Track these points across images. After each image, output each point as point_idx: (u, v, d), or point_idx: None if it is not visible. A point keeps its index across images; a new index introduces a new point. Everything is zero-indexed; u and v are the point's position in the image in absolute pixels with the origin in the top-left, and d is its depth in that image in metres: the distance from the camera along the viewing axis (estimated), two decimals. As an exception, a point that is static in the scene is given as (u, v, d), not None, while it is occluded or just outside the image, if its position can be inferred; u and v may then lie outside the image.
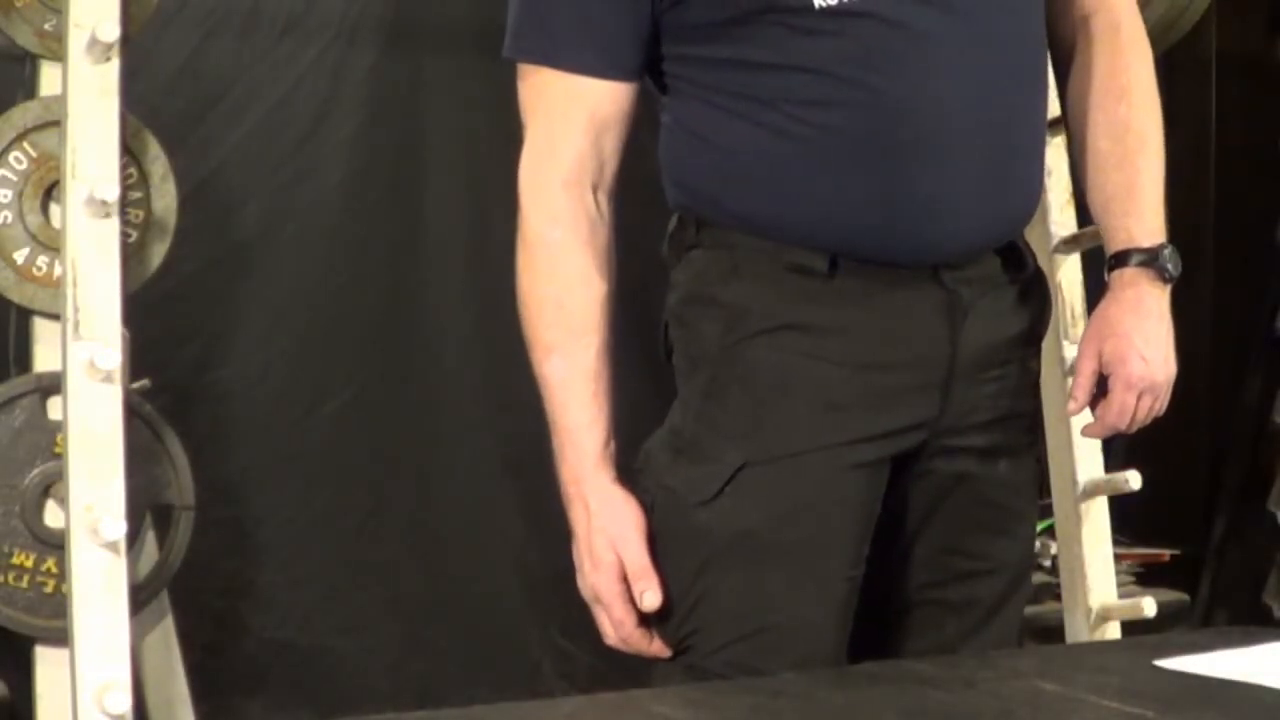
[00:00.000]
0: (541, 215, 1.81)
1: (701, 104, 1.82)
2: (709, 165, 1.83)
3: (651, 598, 1.78)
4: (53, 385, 2.49)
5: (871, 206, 1.77)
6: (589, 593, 1.82)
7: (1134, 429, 1.93)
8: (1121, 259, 1.91)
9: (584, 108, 1.80)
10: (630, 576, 1.79)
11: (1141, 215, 1.92)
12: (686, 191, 1.86)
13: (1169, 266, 1.90)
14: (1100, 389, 1.91)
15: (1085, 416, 1.97)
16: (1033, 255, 1.95)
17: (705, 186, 1.83)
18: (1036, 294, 1.95)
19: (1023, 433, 1.94)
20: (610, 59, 1.80)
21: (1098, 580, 2.95)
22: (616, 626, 1.81)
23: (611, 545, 1.80)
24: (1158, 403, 1.91)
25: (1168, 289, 1.91)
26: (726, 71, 1.79)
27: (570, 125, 1.80)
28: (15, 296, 2.59)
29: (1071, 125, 2.00)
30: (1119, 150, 1.94)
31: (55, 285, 2.52)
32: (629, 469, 1.89)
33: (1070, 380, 2.88)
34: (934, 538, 1.90)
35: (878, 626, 1.90)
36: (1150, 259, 1.90)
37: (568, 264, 1.81)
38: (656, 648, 1.82)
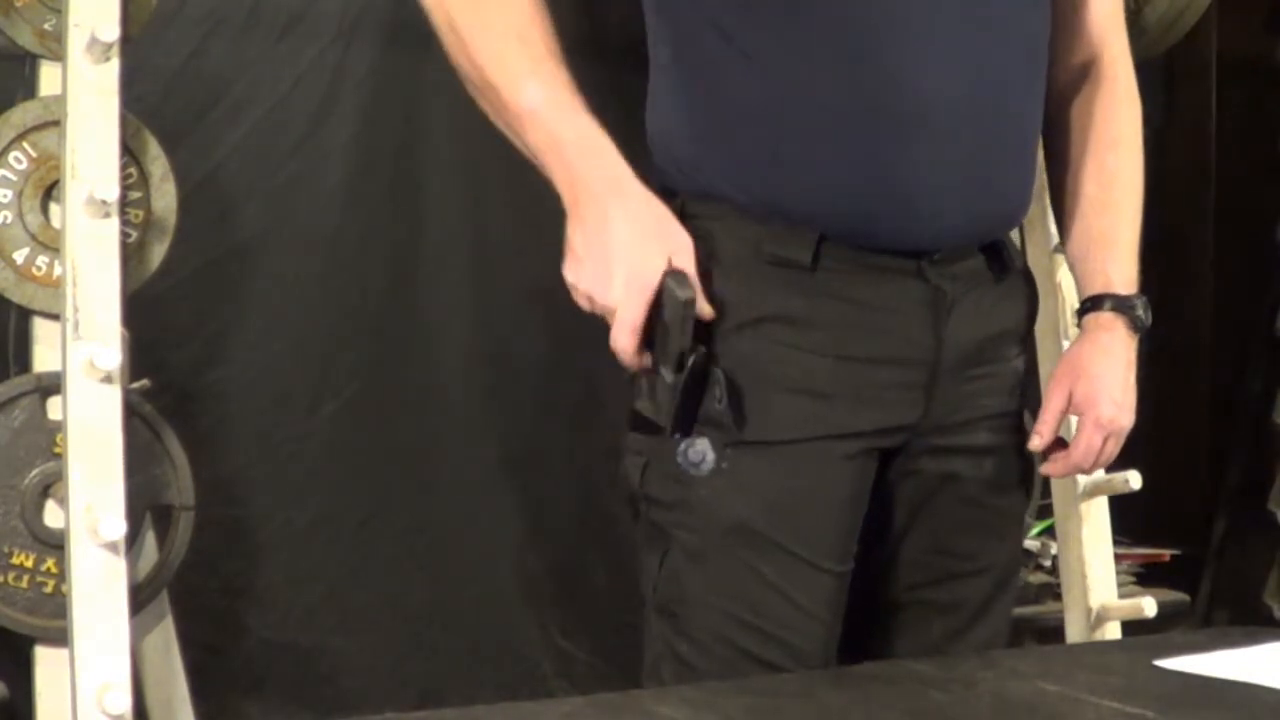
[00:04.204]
0: None
1: (696, 51, 1.81)
2: (698, 117, 1.82)
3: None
4: (53, 385, 2.49)
5: (856, 184, 1.77)
6: (616, 295, 1.71)
7: (1093, 471, 1.96)
8: (1096, 303, 1.95)
9: None
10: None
11: (1119, 264, 1.96)
12: (673, 155, 1.85)
13: (1141, 315, 1.95)
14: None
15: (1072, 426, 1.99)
16: (1020, 255, 1.96)
17: (690, 143, 1.82)
18: (1023, 294, 1.96)
19: (1010, 433, 1.94)
20: None
21: (1098, 580, 2.95)
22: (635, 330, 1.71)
23: (665, 246, 1.69)
24: (1117, 448, 1.94)
25: (1136, 338, 1.94)
26: (725, 12, 1.78)
27: None
28: (15, 296, 2.59)
29: (1056, 167, 2.03)
30: (1104, 197, 1.98)
31: (55, 285, 2.52)
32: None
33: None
34: (921, 538, 1.91)
35: (865, 627, 1.90)
36: (1125, 306, 1.94)
37: (518, 5, 1.77)
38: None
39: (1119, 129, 2.00)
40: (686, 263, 1.70)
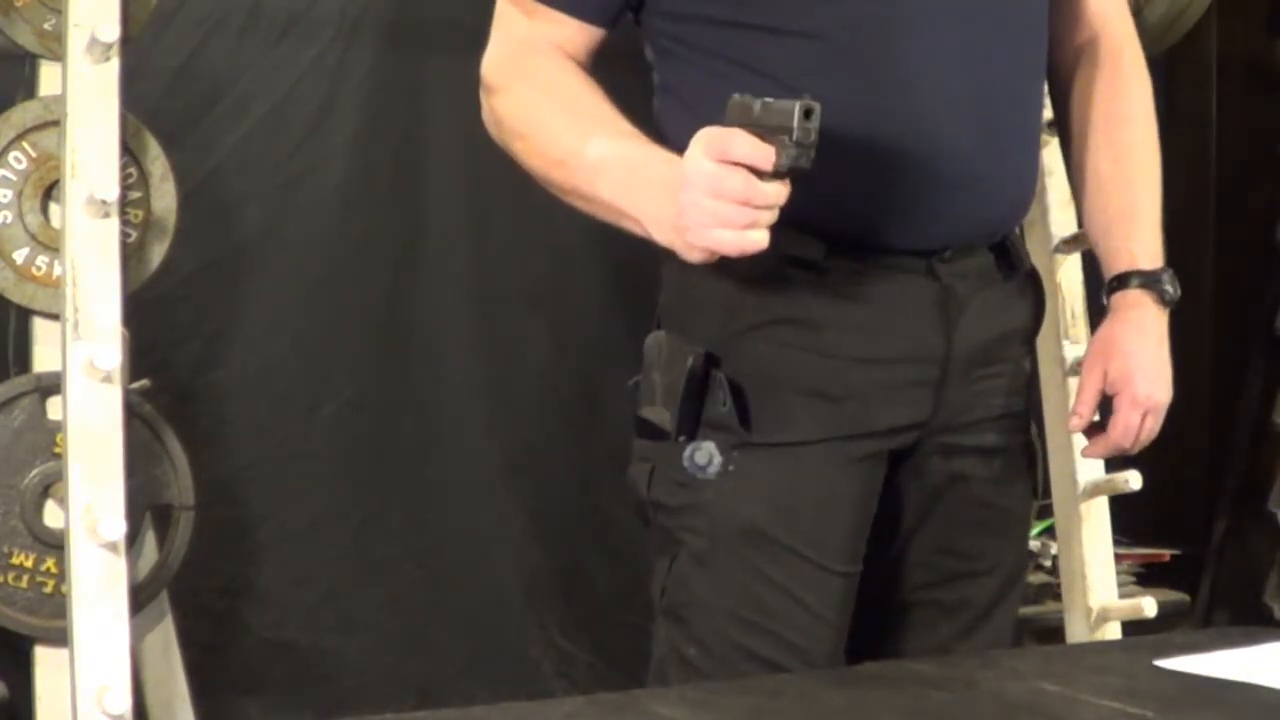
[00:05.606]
0: (527, 69, 1.81)
1: (698, 71, 1.81)
2: (703, 127, 1.81)
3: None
4: (53, 385, 2.49)
5: (864, 184, 1.77)
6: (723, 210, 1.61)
7: (1136, 449, 1.94)
8: (1123, 281, 1.94)
9: (553, 35, 1.83)
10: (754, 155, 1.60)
11: (1142, 239, 1.95)
12: None
13: (1169, 289, 1.93)
14: (1102, 409, 1.93)
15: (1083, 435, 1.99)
16: (1027, 255, 1.96)
17: None
18: (1031, 293, 1.96)
19: (1017, 433, 1.94)
20: (589, 4, 1.83)
21: (1098, 580, 2.95)
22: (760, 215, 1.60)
23: (733, 168, 1.59)
24: (1157, 424, 1.92)
25: (1166, 312, 1.93)
26: (726, 34, 1.79)
27: (536, 41, 1.83)
28: (15, 296, 2.59)
29: (1071, 148, 2.02)
30: (1121, 174, 1.96)
31: (55, 285, 2.52)
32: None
33: (1070, 380, 2.90)
34: (928, 538, 1.91)
35: (873, 627, 1.90)
36: (1151, 281, 1.93)
37: (566, 79, 1.80)
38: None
39: (1129, 103, 1.99)
40: (745, 141, 1.60)
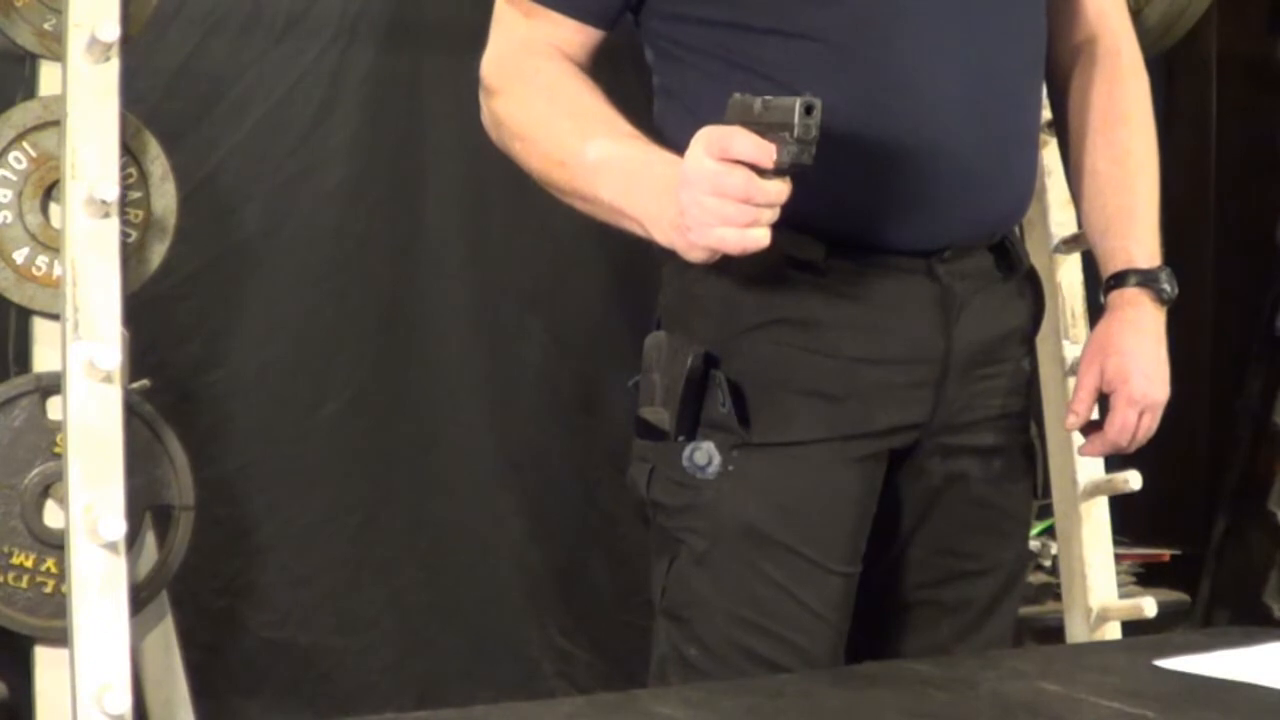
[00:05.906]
0: (526, 71, 1.80)
1: (698, 73, 1.82)
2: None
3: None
4: (53, 385, 2.49)
5: (864, 184, 1.77)
6: (726, 211, 1.59)
7: (1133, 448, 1.95)
8: (1120, 279, 1.94)
9: (552, 36, 1.82)
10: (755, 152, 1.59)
11: (1140, 238, 1.95)
12: None
13: (1166, 288, 1.93)
14: (1099, 408, 1.93)
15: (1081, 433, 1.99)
16: (1026, 255, 1.96)
17: None
18: (1030, 294, 1.96)
19: (1017, 432, 1.94)
20: (588, 6, 1.83)
21: (1098, 580, 2.95)
22: (758, 217, 1.59)
23: (734, 166, 1.58)
24: (1154, 423, 1.93)
25: (1164, 310, 1.94)
26: (725, 35, 1.79)
27: (535, 43, 1.82)
28: (15, 296, 2.59)
29: (1069, 147, 2.02)
30: (1119, 173, 1.97)
31: (55, 285, 2.52)
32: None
33: (1070, 380, 2.90)
34: (928, 538, 1.91)
35: (873, 627, 1.90)
36: (1149, 280, 1.93)
37: (565, 80, 1.79)
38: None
39: (1127, 103, 1.99)
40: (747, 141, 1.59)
